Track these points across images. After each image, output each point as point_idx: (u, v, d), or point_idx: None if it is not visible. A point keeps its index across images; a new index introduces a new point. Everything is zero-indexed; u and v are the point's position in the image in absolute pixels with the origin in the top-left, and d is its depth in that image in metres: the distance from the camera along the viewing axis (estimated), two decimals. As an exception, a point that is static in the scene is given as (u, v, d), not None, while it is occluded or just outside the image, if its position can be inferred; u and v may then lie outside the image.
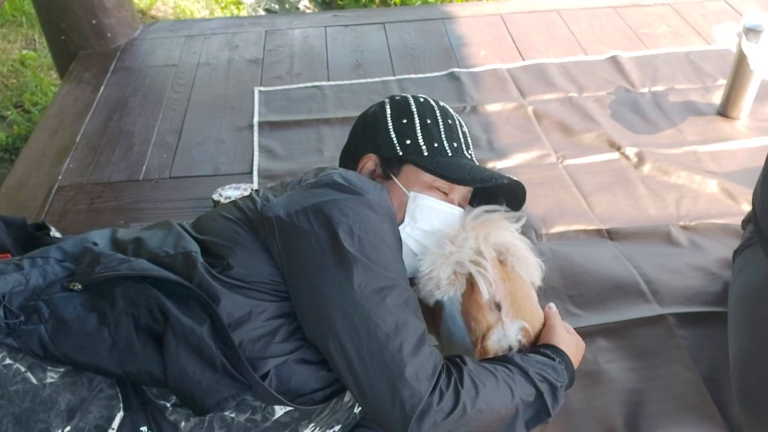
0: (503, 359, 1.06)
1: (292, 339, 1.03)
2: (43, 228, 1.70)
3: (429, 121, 1.24)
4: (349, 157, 1.29)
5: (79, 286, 1.00)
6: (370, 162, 1.23)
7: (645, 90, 2.41)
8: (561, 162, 2.06)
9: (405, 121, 1.24)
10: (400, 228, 1.17)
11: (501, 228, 1.15)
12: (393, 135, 1.23)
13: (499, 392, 1.00)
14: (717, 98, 2.31)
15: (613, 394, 1.37)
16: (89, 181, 2.10)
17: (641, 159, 2.04)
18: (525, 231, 1.77)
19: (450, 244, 1.12)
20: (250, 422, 1.03)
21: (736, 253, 1.56)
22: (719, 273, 1.63)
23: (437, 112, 1.26)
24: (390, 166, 1.22)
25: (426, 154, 1.21)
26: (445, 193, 1.21)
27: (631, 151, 2.07)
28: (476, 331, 1.10)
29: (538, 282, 1.17)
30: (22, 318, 0.95)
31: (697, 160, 2.05)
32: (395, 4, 4.06)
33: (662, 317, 1.52)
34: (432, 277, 1.11)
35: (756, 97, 2.20)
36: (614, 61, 2.58)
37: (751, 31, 2.03)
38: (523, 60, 2.63)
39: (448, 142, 1.24)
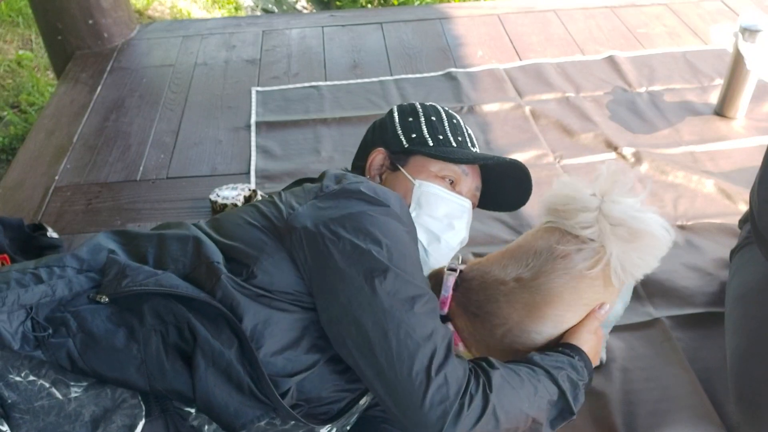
0: (525, 360, 1.06)
1: (312, 352, 1.03)
2: (40, 228, 1.70)
3: (434, 119, 1.31)
4: (360, 158, 1.35)
5: (106, 299, 0.99)
6: (379, 156, 1.29)
7: (642, 90, 2.41)
8: (558, 162, 2.07)
9: (411, 119, 1.31)
10: None
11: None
12: (399, 131, 1.30)
13: (525, 392, 1.00)
14: (714, 98, 2.32)
15: (610, 393, 1.37)
16: (86, 182, 2.09)
17: (638, 159, 2.05)
18: (522, 231, 1.79)
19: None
20: (270, 425, 1.03)
21: (733, 252, 1.56)
22: (716, 273, 1.63)
23: (442, 112, 1.33)
24: (397, 158, 1.28)
25: (431, 144, 1.27)
26: (452, 184, 1.26)
27: (628, 151, 2.08)
28: None
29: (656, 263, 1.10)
30: (50, 331, 0.95)
31: (694, 160, 2.06)
32: (393, 3, 4.06)
33: (657, 321, 1.52)
34: None
35: (752, 97, 2.20)
36: (611, 61, 2.59)
37: (747, 31, 2.03)
38: (520, 60, 2.64)
39: (453, 136, 1.30)
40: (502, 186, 1.36)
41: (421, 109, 1.34)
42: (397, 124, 1.32)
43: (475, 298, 1.11)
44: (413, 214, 1.21)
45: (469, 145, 1.32)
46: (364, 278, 0.99)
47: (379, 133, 1.33)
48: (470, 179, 1.29)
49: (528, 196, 1.37)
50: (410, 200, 1.23)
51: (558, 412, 1.06)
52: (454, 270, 1.15)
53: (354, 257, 1.00)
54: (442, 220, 1.24)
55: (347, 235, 1.02)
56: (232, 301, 0.99)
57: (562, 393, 1.04)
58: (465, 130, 1.35)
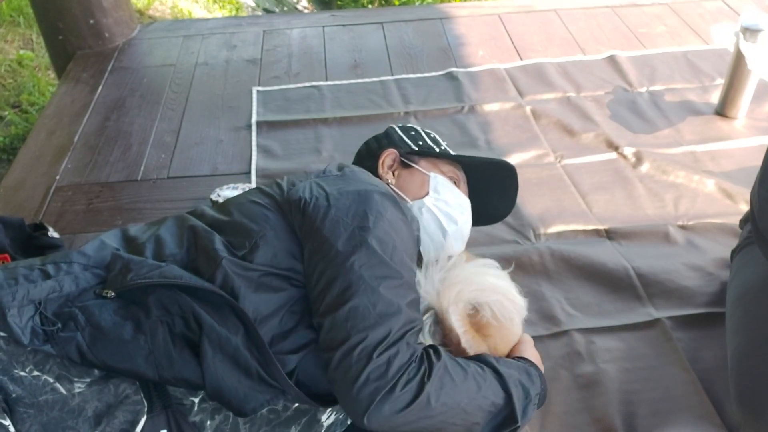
0: (479, 358, 1.06)
1: (312, 328, 1.05)
2: (41, 228, 1.70)
3: (432, 135, 1.47)
4: (365, 162, 1.42)
5: (112, 294, 1.00)
6: (391, 154, 1.37)
7: (643, 90, 2.41)
8: (559, 162, 2.07)
9: (413, 133, 1.44)
10: (425, 199, 1.31)
11: (475, 282, 1.14)
12: (406, 139, 1.42)
13: (466, 387, 0.99)
14: (715, 98, 2.32)
15: (610, 393, 1.37)
16: (87, 182, 2.09)
17: (639, 159, 2.04)
18: (523, 231, 1.79)
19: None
20: (273, 413, 1.05)
21: (734, 252, 1.56)
22: (716, 273, 1.63)
23: (433, 134, 1.48)
24: (408, 158, 1.38)
25: (438, 150, 1.40)
26: (455, 185, 1.37)
27: (629, 151, 2.07)
28: None
29: (519, 327, 1.18)
30: (59, 325, 0.96)
31: (695, 160, 2.06)
32: (394, 3, 4.06)
33: (657, 321, 1.52)
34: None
35: (753, 97, 2.20)
36: (612, 60, 2.59)
37: (748, 31, 2.03)
38: (521, 60, 2.64)
39: (450, 149, 1.45)
40: (486, 199, 1.48)
41: (418, 127, 1.48)
42: (402, 134, 1.43)
43: None
44: (432, 199, 1.31)
45: None
46: (343, 248, 1.02)
47: (385, 141, 1.42)
48: (464, 187, 1.41)
49: (511, 208, 1.53)
50: (428, 188, 1.32)
51: (502, 420, 1.03)
52: None
53: (338, 227, 1.04)
54: (456, 207, 1.33)
55: (338, 206, 1.06)
56: (232, 285, 1.01)
57: (508, 397, 1.02)
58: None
